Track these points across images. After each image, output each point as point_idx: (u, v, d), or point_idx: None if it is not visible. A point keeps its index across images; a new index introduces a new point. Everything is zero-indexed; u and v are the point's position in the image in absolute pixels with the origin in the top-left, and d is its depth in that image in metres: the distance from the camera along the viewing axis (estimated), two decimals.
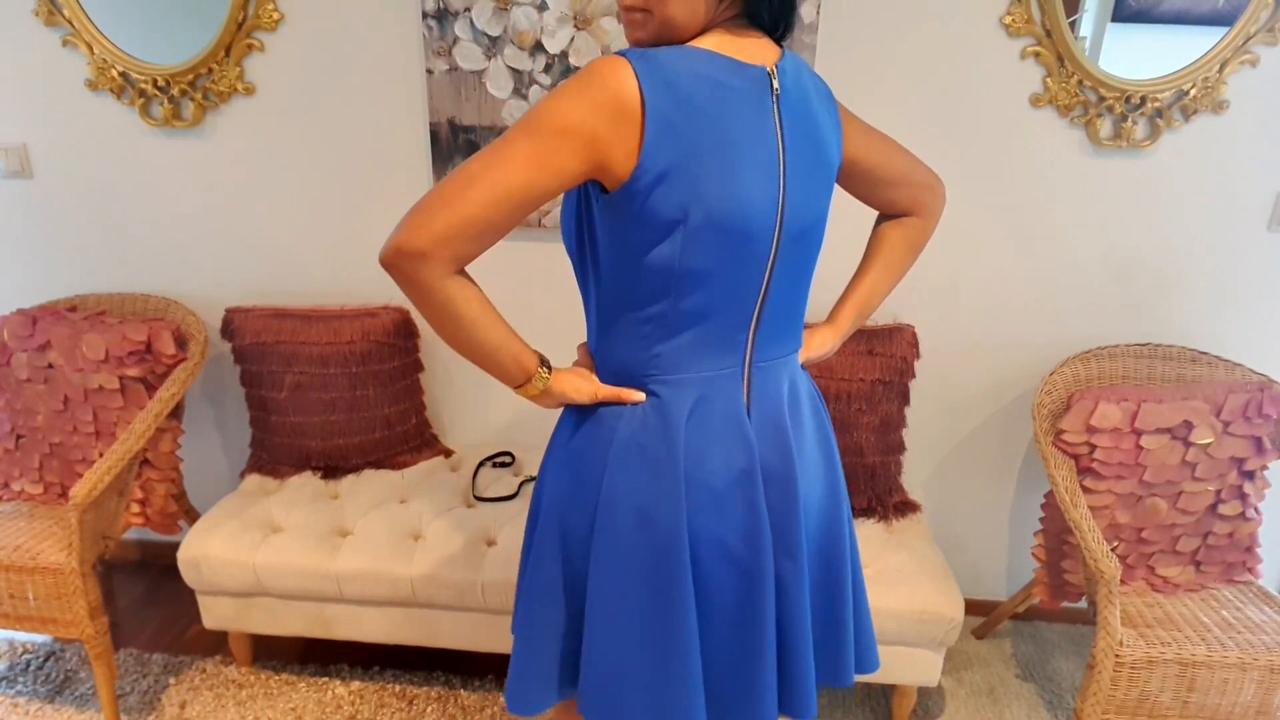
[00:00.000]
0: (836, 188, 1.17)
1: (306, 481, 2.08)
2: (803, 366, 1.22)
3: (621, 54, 0.95)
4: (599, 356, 1.13)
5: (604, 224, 1.01)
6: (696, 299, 1.03)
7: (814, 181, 1.06)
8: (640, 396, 1.08)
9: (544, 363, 1.09)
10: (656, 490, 1.06)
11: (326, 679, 2.05)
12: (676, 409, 1.06)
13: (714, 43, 0.99)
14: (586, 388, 1.10)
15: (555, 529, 1.14)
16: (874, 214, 1.34)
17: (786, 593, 1.12)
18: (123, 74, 2.02)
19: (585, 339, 1.18)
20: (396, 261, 0.94)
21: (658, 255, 0.99)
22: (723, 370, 1.08)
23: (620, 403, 1.09)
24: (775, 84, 1.00)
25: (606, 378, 1.11)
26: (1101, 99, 1.86)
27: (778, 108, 1.01)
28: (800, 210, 1.05)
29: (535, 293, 2.12)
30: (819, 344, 1.28)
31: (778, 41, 1.05)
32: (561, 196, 1.04)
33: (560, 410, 1.19)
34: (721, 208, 0.97)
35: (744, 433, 1.09)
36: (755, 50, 1.00)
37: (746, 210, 0.99)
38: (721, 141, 0.96)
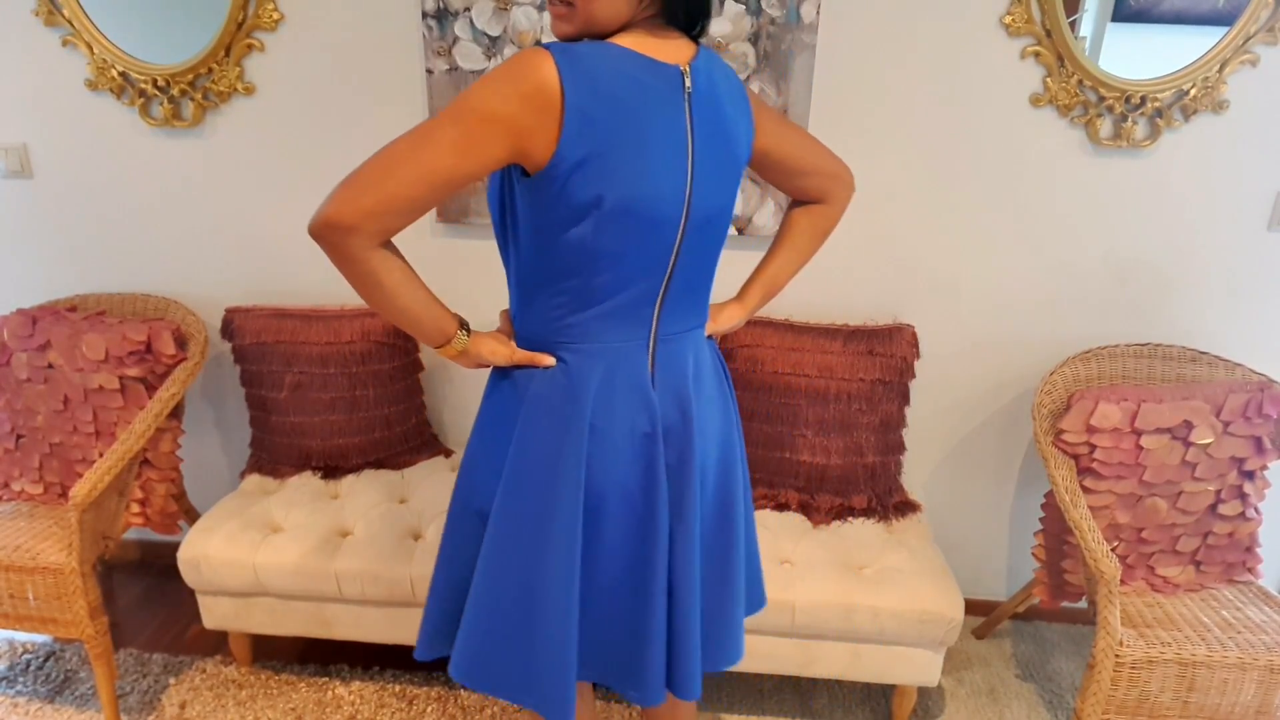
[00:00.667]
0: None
1: (306, 481, 2.08)
2: (710, 338, 1.32)
3: (545, 47, 1.00)
4: (518, 323, 1.21)
5: (524, 204, 1.08)
6: (607, 277, 1.10)
7: (720, 174, 1.14)
8: (551, 361, 1.16)
9: (464, 326, 1.17)
10: (561, 440, 1.14)
11: (326, 679, 2.05)
12: (585, 373, 1.15)
13: (633, 41, 1.05)
14: (503, 350, 1.18)
15: (468, 484, 1.23)
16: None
17: (675, 554, 1.20)
18: (123, 74, 2.03)
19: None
20: (325, 234, 1.01)
21: (573, 235, 1.07)
22: (629, 341, 1.16)
23: (533, 365, 1.17)
24: (688, 83, 1.07)
25: (523, 343, 1.19)
26: (1101, 99, 1.86)
27: (689, 105, 1.08)
28: (706, 200, 1.12)
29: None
30: (726, 319, 1.37)
31: (695, 39, 1.12)
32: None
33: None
34: (633, 196, 1.05)
35: (648, 399, 1.17)
36: (671, 49, 1.07)
37: (656, 199, 1.07)
38: (636, 134, 1.03)
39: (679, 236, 1.12)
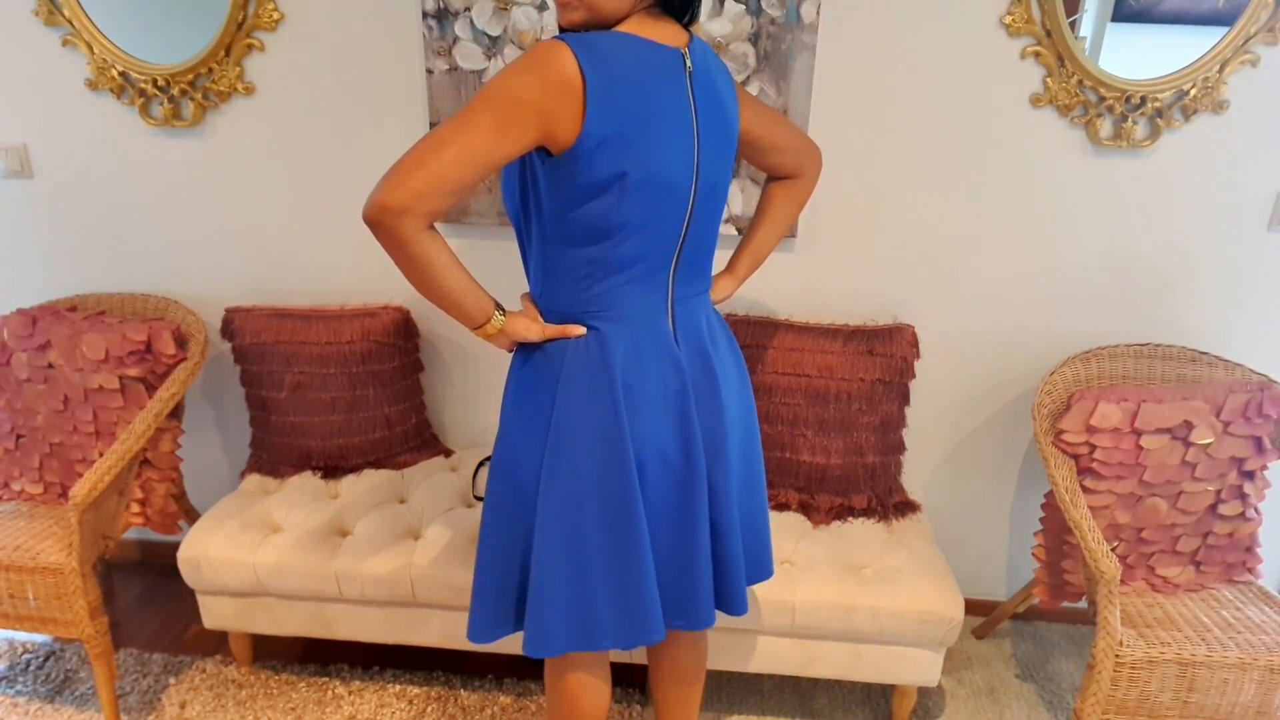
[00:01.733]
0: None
1: (306, 481, 2.08)
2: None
3: (559, 38, 1.10)
4: (543, 302, 1.29)
5: (548, 184, 1.16)
6: (630, 245, 1.20)
7: (720, 146, 1.25)
8: (581, 330, 1.25)
9: (499, 307, 1.25)
10: (600, 405, 1.23)
11: (326, 679, 2.05)
12: (615, 340, 1.24)
13: (635, 28, 1.15)
14: (535, 327, 1.27)
15: (509, 460, 1.30)
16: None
17: (718, 498, 1.33)
18: (123, 74, 2.03)
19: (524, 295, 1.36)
20: (379, 218, 1.06)
21: (597, 207, 1.16)
22: (651, 306, 1.27)
23: (565, 337, 1.26)
24: (689, 64, 1.19)
25: (550, 319, 1.28)
26: (1101, 99, 1.86)
27: (691, 84, 1.19)
28: (711, 170, 1.24)
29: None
30: (721, 289, 1.53)
31: (686, 27, 1.22)
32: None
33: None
34: (651, 167, 1.15)
35: (675, 357, 1.28)
36: (669, 35, 1.18)
37: (671, 170, 1.18)
38: (649, 111, 1.14)
39: (690, 204, 1.23)
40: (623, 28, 1.15)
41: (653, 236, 1.21)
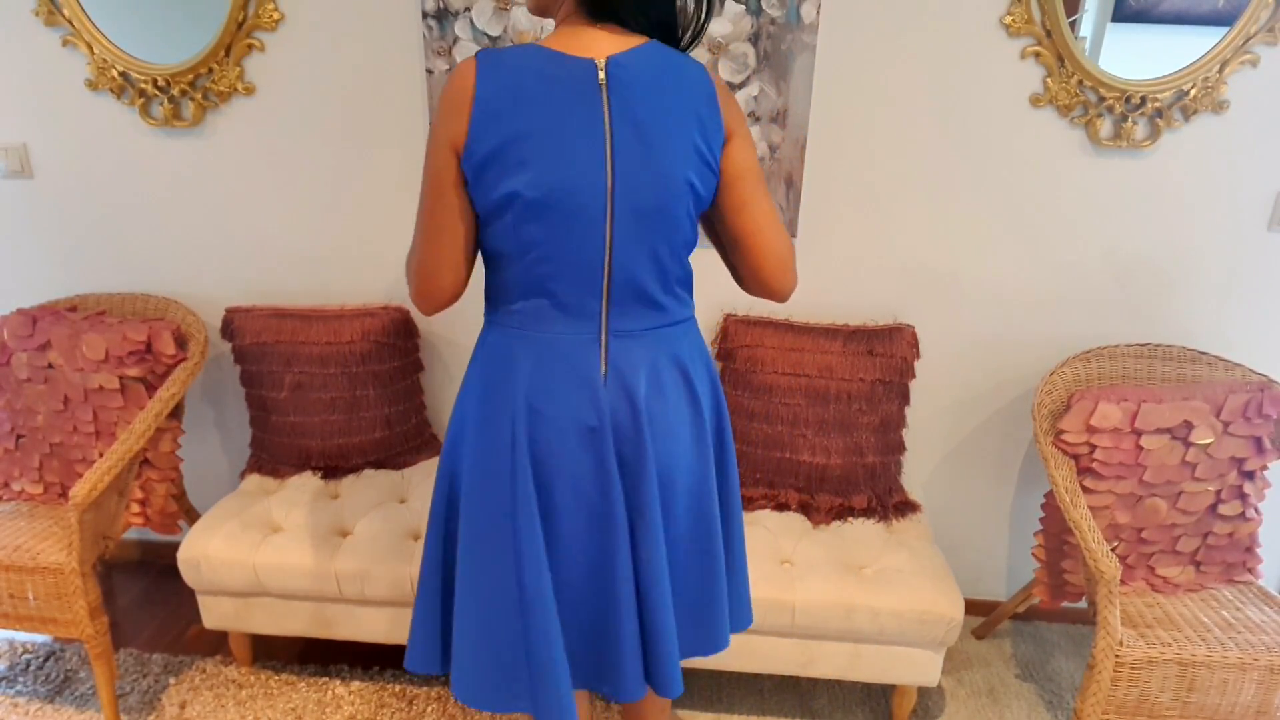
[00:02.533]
0: None
1: (306, 481, 2.08)
2: (701, 347, 1.28)
3: (477, 53, 1.09)
4: (485, 306, 1.26)
5: (469, 190, 1.13)
6: (541, 269, 1.13)
7: (655, 166, 1.10)
8: None
9: None
10: (495, 417, 1.18)
11: (326, 679, 2.05)
12: (518, 356, 1.18)
13: (556, 38, 1.11)
14: None
15: (441, 481, 1.28)
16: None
17: (640, 552, 1.20)
18: (123, 74, 2.02)
19: None
20: (420, 308, 1.21)
21: (500, 228, 1.12)
22: (577, 335, 1.17)
23: None
24: (601, 75, 1.08)
25: (486, 321, 1.25)
26: (1101, 99, 1.86)
27: (606, 96, 1.08)
28: (636, 192, 1.10)
29: None
30: None
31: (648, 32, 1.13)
32: None
33: None
34: (547, 186, 1.07)
35: (595, 394, 1.16)
36: (596, 44, 1.10)
37: (572, 190, 1.08)
38: (546, 127, 1.07)
39: (608, 229, 1.11)
40: (547, 38, 1.11)
41: (570, 262, 1.12)
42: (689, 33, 1.19)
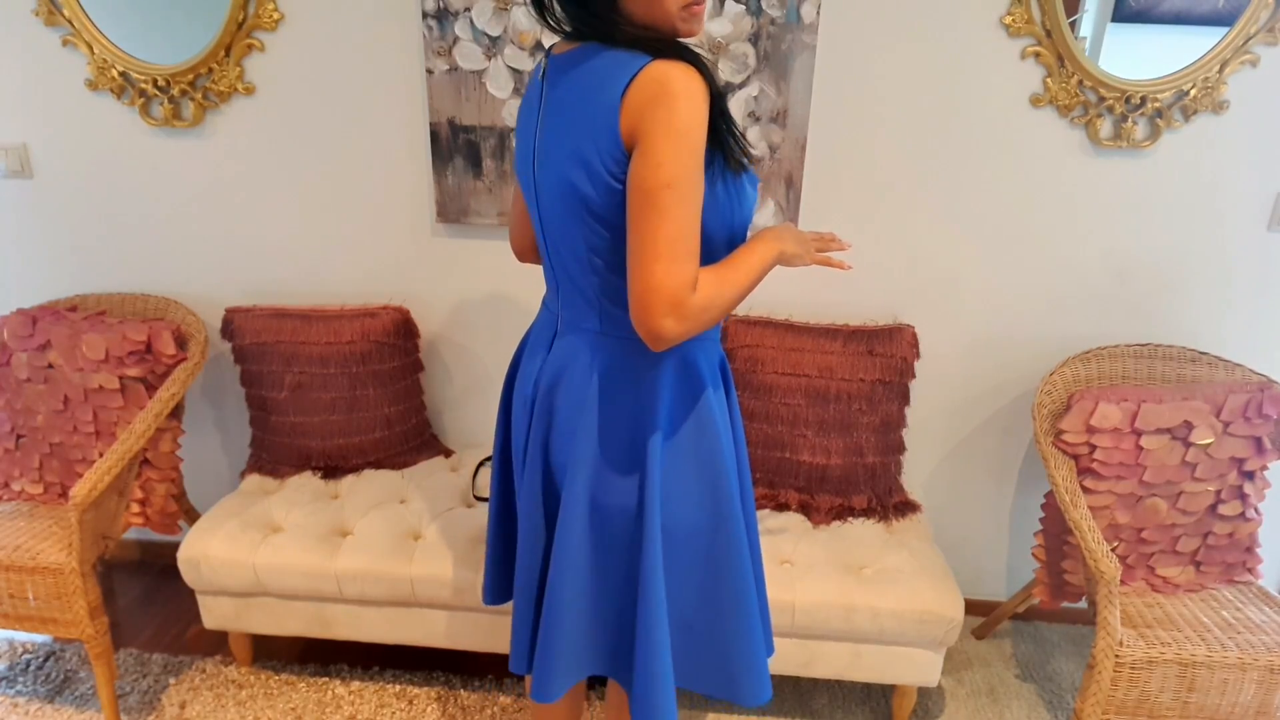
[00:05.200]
0: None
1: (306, 481, 2.08)
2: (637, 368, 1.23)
3: None
4: None
5: None
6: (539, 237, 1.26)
7: (553, 162, 1.12)
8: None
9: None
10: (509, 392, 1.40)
11: (326, 679, 2.05)
12: (534, 327, 1.35)
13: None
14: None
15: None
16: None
17: (553, 542, 1.27)
18: (123, 74, 2.02)
19: None
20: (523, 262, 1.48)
21: None
22: (549, 312, 1.29)
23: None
24: (543, 67, 1.17)
25: None
26: (1101, 99, 1.86)
27: (544, 87, 1.15)
28: (545, 188, 1.15)
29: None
30: None
31: (588, 37, 1.10)
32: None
33: None
34: (516, 171, 1.25)
35: (538, 369, 1.27)
36: (559, 43, 1.17)
37: (520, 177, 1.23)
38: (520, 117, 1.22)
39: (536, 211, 1.20)
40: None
41: (538, 244, 1.28)
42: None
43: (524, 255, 1.44)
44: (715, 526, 1.23)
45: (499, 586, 1.51)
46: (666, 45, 1.04)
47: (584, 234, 1.12)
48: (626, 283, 1.05)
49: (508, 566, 1.48)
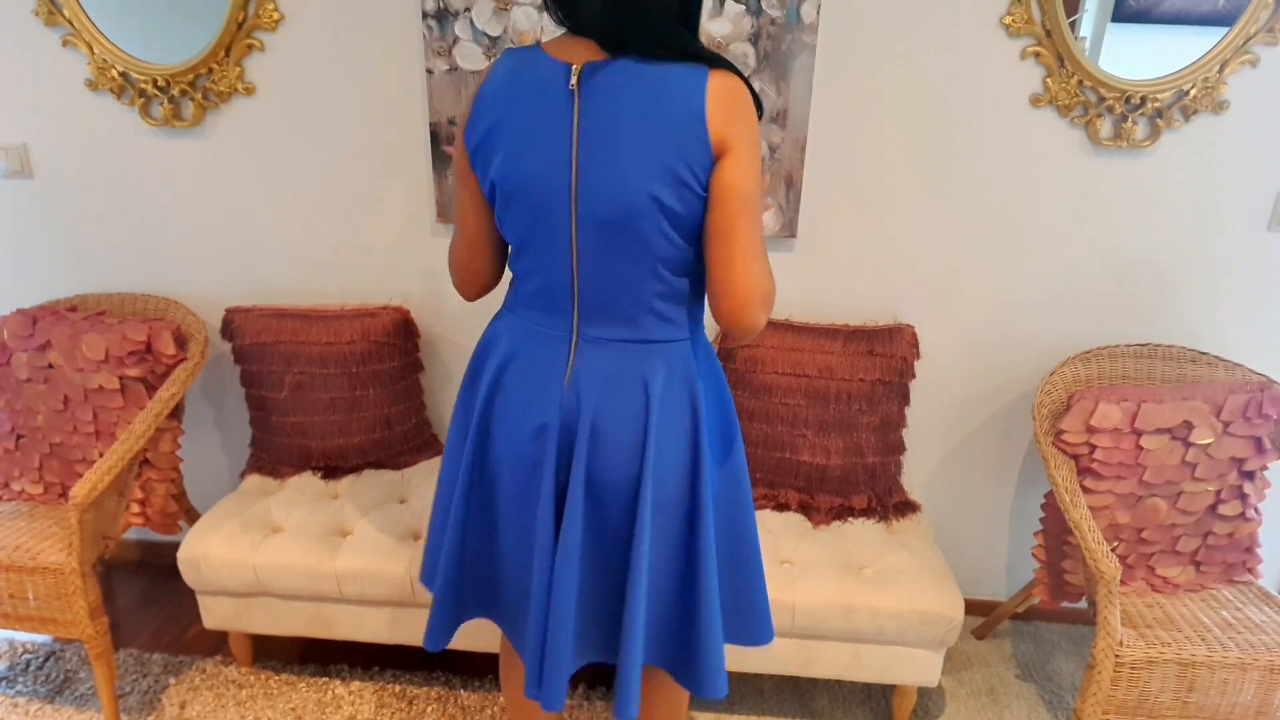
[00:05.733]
0: None
1: (306, 481, 2.08)
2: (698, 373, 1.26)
3: (505, 50, 1.20)
4: None
5: None
6: (525, 260, 1.22)
7: (616, 177, 1.09)
8: None
9: None
10: (478, 389, 1.29)
11: (326, 679, 2.05)
12: (505, 341, 1.26)
13: (552, 41, 1.15)
14: None
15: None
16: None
17: (556, 554, 1.22)
18: (123, 74, 2.02)
19: None
20: (461, 293, 1.39)
21: (497, 215, 1.21)
22: (551, 330, 1.22)
23: None
24: (574, 80, 1.09)
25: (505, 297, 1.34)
26: (1101, 99, 1.86)
27: (577, 100, 1.09)
28: (597, 199, 1.10)
29: None
30: None
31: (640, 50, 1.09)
32: None
33: None
34: (512, 176, 1.13)
35: (549, 392, 1.21)
36: (576, 50, 1.11)
37: (535, 183, 1.12)
38: (518, 120, 1.12)
39: (572, 232, 1.14)
40: (547, 43, 1.15)
41: (543, 258, 1.18)
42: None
43: (477, 282, 1.32)
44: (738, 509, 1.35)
45: (449, 625, 1.39)
46: (714, 55, 1.11)
47: (654, 244, 1.12)
48: (709, 285, 1.15)
49: (467, 602, 1.39)
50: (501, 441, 1.25)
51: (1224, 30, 1.79)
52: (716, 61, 1.09)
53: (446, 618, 1.37)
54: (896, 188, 1.98)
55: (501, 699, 1.99)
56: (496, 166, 1.14)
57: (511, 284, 1.30)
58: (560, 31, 1.16)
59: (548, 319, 1.22)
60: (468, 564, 1.35)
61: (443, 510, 1.39)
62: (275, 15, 1.96)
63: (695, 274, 1.19)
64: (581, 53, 1.11)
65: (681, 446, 1.23)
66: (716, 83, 1.07)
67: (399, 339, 2.10)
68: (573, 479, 1.20)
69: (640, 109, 1.07)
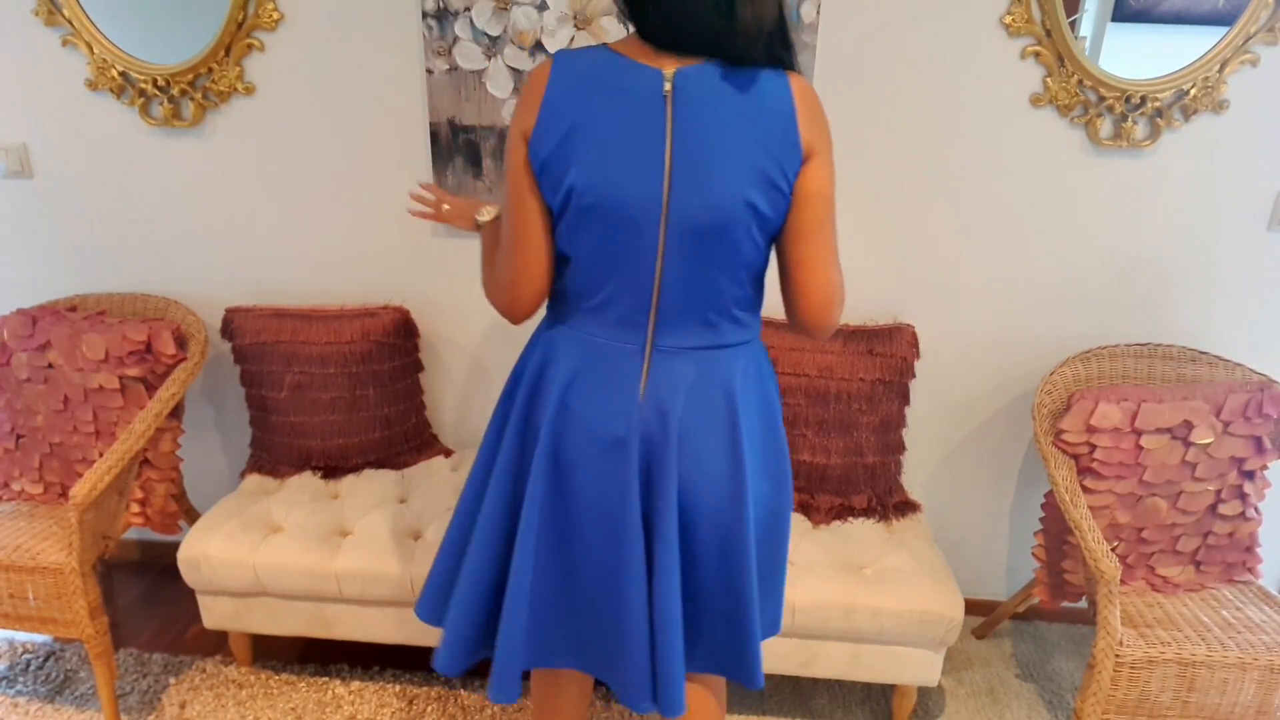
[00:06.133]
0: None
1: (306, 481, 2.08)
2: (760, 372, 1.28)
3: (554, 54, 1.10)
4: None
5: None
6: (594, 274, 1.14)
7: (713, 184, 1.07)
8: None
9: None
10: (537, 413, 1.21)
11: (326, 679, 2.05)
12: (566, 360, 1.19)
13: (628, 43, 1.10)
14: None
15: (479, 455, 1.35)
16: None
17: (652, 568, 1.19)
18: (123, 74, 2.02)
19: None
20: (508, 318, 1.23)
21: (564, 228, 1.13)
22: (624, 345, 1.17)
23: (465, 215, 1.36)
24: (667, 86, 1.06)
25: (548, 311, 1.28)
26: (1101, 99, 1.86)
27: (670, 109, 1.06)
28: (691, 208, 1.08)
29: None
30: None
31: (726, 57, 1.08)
32: None
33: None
34: (597, 194, 1.07)
35: (628, 405, 1.16)
36: (661, 55, 1.08)
37: (621, 196, 1.07)
38: (603, 129, 1.06)
39: (660, 242, 1.10)
40: (618, 43, 1.10)
41: (621, 271, 1.12)
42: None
43: (535, 301, 1.22)
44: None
45: (469, 649, 1.31)
46: (791, 58, 1.12)
47: (743, 250, 1.12)
48: (791, 286, 1.17)
49: (489, 627, 1.31)
50: (574, 464, 1.19)
51: (1224, 30, 1.79)
52: (792, 65, 1.11)
53: (513, 666, 1.26)
54: (896, 187, 1.98)
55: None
56: (574, 178, 1.07)
57: (564, 299, 1.21)
58: (611, 35, 1.14)
59: (617, 333, 1.17)
60: (542, 606, 1.26)
61: (459, 538, 1.32)
62: (275, 15, 1.96)
63: (763, 275, 1.20)
64: (661, 56, 1.07)
65: (760, 445, 1.24)
66: (798, 86, 1.09)
67: (399, 339, 2.10)
68: (662, 490, 1.17)
69: (736, 114, 1.07)
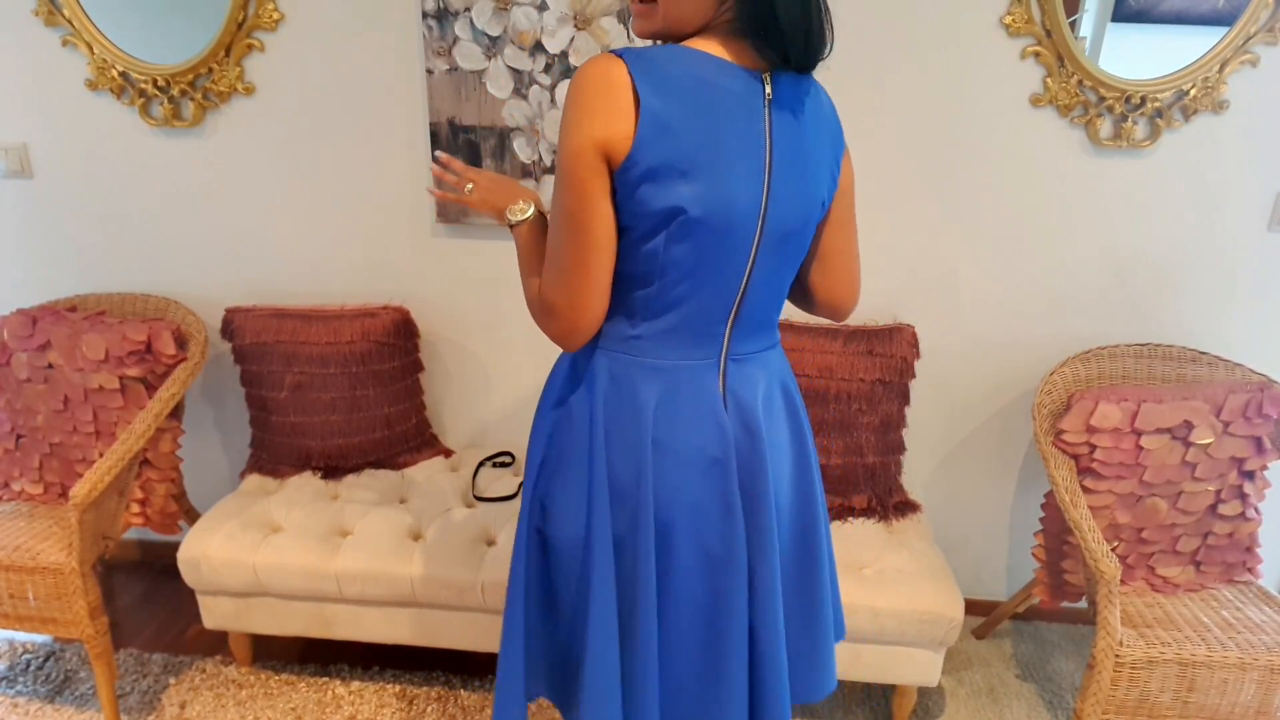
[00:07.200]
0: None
1: (306, 481, 2.08)
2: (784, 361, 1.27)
3: (615, 52, 0.97)
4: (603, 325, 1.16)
5: (616, 202, 1.02)
6: (680, 290, 1.05)
7: (803, 187, 1.06)
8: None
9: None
10: (627, 460, 1.10)
11: (326, 679, 2.05)
12: (645, 392, 1.09)
13: (710, 44, 1.00)
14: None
15: (539, 514, 1.18)
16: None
17: (761, 598, 1.14)
18: (123, 74, 2.02)
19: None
20: (564, 345, 1.09)
21: (649, 244, 1.02)
22: (699, 360, 1.11)
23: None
24: (768, 89, 1.01)
25: (600, 342, 1.13)
26: (1101, 99, 1.86)
27: (769, 112, 1.01)
28: (785, 213, 1.05)
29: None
30: None
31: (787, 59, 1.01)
32: None
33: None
34: (707, 206, 0.99)
35: (718, 421, 1.11)
36: (751, 55, 1.00)
37: (731, 209, 1.01)
38: (711, 141, 0.98)
39: (754, 250, 1.05)
40: (695, 43, 0.99)
41: (707, 283, 1.05)
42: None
43: (597, 324, 1.08)
44: None
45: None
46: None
47: (805, 250, 1.15)
48: (825, 275, 1.20)
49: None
50: (671, 492, 1.10)
51: (1224, 30, 1.79)
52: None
53: None
54: (896, 187, 1.98)
55: None
56: (687, 191, 0.97)
57: (629, 322, 1.09)
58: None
59: (693, 349, 1.10)
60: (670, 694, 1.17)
61: (551, 617, 1.20)
62: (275, 15, 1.96)
63: None
64: (744, 53, 1.00)
65: (810, 441, 1.26)
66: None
67: (399, 339, 2.10)
68: (760, 504, 1.12)
69: (812, 116, 1.07)
